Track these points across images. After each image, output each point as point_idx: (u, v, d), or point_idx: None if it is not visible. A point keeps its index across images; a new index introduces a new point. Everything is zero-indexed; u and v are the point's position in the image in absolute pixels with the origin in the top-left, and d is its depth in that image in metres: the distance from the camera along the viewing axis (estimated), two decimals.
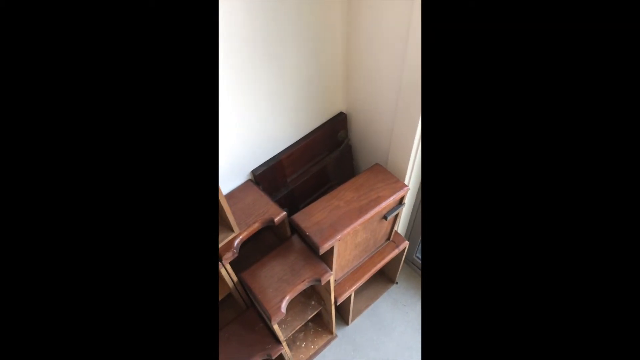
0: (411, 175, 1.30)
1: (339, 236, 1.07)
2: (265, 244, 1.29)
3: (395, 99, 1.10)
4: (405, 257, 1.89)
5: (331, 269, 1.16)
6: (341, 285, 1.36)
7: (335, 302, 1.33)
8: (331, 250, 1.11)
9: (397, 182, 1.20)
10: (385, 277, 1.82)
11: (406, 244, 1.47)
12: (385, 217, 1.24)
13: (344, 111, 1.35)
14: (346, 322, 1.69)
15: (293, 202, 1.35)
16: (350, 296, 1.45)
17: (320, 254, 1.07)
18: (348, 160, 1.45)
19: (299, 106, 1.18)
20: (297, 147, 1.25)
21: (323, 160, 1.36)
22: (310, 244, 1.08)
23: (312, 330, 1.63)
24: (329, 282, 1.17)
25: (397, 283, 1.82)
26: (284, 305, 1.06)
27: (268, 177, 1.22)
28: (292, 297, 1.10)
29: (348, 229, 1.09)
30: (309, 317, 1.33)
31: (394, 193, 1.17)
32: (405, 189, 1.19)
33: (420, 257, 1.81)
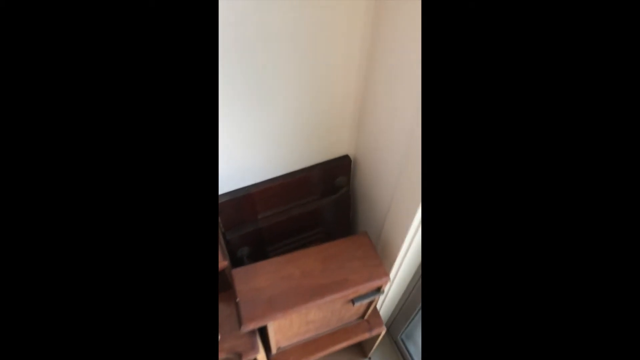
0: (404, 258, 1.03)
1: (273, 317, 0.84)
2: None
3: (405, 157, 0.83)
4: (388, 337, 1.60)
5: (264, 344, 0.94)
6: (285, 355, 1.13)
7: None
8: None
9: (378, 265, 0.94)
10: (356, 348, 1.55)
11: (382, 329, 1.19)
12: (352, 302, 0.99)
13: (351, 155, 1.09)
14: None
15: (261, 242, 1.13)
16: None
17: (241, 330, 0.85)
18: (344, 210, 1.20)
19: (288, 138, 0.95)
20: (277, 183, 1.03)
21: (310, 204, 1.12)
22: (237, 313, 0.86)
23: None
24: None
25: (369, 359, 1.54)
26: None
27: (231, 209, 1.01)
28: None
29: (289, 311, 0.85)
30: None
31: (368, 280, 0.91)
32: (385, 279, 0.92)
33: (404, 340, 1.51)
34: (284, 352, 1.14)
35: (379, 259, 0.95)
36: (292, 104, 0.88)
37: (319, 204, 1.13)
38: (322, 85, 0.87)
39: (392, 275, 1.11)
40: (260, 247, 1.15)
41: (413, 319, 1.38)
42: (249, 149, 0.92)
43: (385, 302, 1.33)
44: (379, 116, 0.91)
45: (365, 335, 1.18)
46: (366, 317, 1.19)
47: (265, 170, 1.01)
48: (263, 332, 0.99)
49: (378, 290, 0.98)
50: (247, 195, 1.01)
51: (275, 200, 1.07)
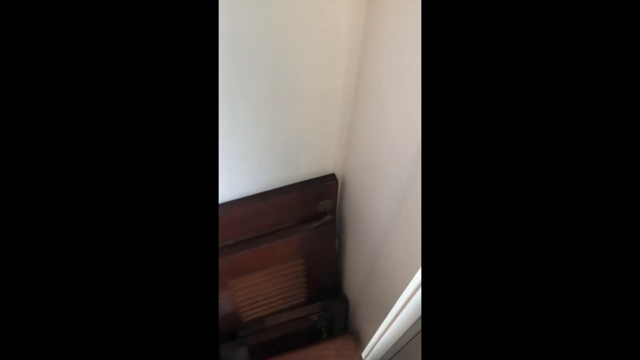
0: (397, 314, 0.80)
1: None
2: None
3: (406, 184, 0.60)
4: None
5: None
6: None
7: None
8: None
9: None
10: None
11: None
12: None
13: (338, 175, 0.87)
14: None
15: (224, 274, 0.91)
16: None
17: None
18: (329, 240, 0.97)
19: (258, 149, 0.73)
20: (242, 207, 0.81)
21: (286, 232, 0.90)
22: None
23: None
24: None
25: None
26: None
27: None
28: None
29: None
30: None
31: None
32: None
33: None
34: None
35: None
36: (262, 107, 0.66)
37: (298, 232, 0.91)
38: (299, 84, 0.65)
39: (387, 322, 0.89)
40: (221, 282, 0.93)
41: None
42: None
43: (377, 348, 1.11)
44: (372, 127, 0.68)
45: None
46: None
47: (227, 188, 0.79)
48: None
49: None
50: None
51: (238, 226, 0.85)
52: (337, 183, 0.86)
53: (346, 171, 0.87)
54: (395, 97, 0.56)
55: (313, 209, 0.90)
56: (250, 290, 1.02)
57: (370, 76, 0.63)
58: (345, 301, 1.16)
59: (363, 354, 1.14)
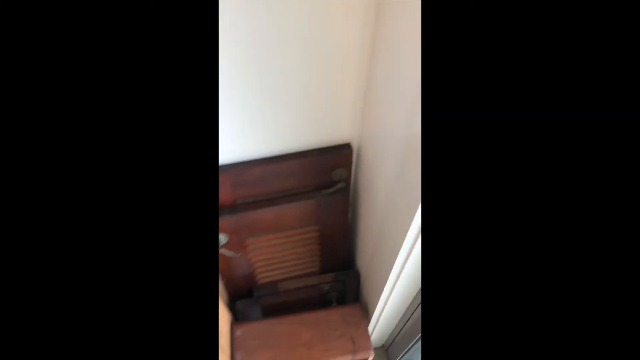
0: (399, 274, 0.83)
1: None
2: None
3: (404, 151, 0.64)
4: (384, 357, 1.41)
5: None
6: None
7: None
8: None
9: (364, 334, 1.02)
10: None
11: (369, 355, 1.01)
12: None
13: (353, 144, 0.91)
14: None
15: (240, 232, 0.99)
16: None
17: None
18: (342, 208, 1.02)
19: (279, 110, 0.79)
20: (260, 166, 0.87)
21: (301, 197, 0.96)
22: None
23: None
24: None
25: None
26: None
27: None
28: None
29: None
30: None
31: (348, 353, 0.99)
32: (370, 358, 1.00)
33: None
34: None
35: (368, 336, 1.02)
36: (285, 70, 0.71)
37: (312, 198, 0.96)
38: (320, 53, 0.70)
39: (386, 291, 0.92)
40: (239, 238, 1.01)
41: (414, 344, 1.17)
42: (230, 116, 0.77)
43: (382, 321, 1.14)
44: (383, 98, 0.71)
45: (348, 357, 1.00)
46: (354, 340, 1.01)
47: (247, 148, 0.85)
48: None
49: None
50: (222, 175, 0.86)
51: (257, 185, 0.91)
52: (351, 152, 0.90)
53: (361, 143, 0.91)
54: (400, 64, 0.59)
55: (328, 176, 0.95)
56: (266, 250, 1.09)
57: (382, 49, 0.66)
58: (357, 275, 1.20)
59: (370, 327, 1.17)
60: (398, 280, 0.87)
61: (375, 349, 1.42)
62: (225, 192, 0.91)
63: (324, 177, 0.95)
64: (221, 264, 1.09)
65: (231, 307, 1.18)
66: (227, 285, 1.18)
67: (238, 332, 1.04)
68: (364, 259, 1.12)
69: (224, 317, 1.01)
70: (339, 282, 1.19)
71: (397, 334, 1.26)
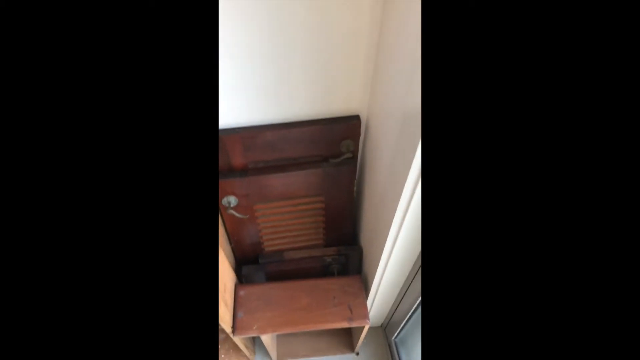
0: (394, 243, 0.87)
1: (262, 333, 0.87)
2: None
3: (402, 124, 0.67)
4: (383, 337, 1.44)
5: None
6: (246, 322, 1.04)
7: (233, 332, 1.03)
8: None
9: (361, 304, 1.07)
10: (346, 339, 1.41)
11: (365, 322, 1.05)
12: None
13: (362, 116, 0.95)
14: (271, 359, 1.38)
15: (249, 196, 1.04)
16: (266, 336, 1.13)
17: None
18: (348, 179, 1.06)
19: (291, 77, 0.84)
20: (271, 131, 0.92)
21: (309, 165, 1.01)
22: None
23: (232, 343, 1.37)
24: None
25: (357, 354, 1.40)
26: None
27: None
28: None
29: (275, 331, 0.99)
30: None
31: (348, 321, 1.04)
32: (366, 326, 1.08)
33: (398, 344, 1.34)
34: (248, 320, 1.05)
35: (365, 305, 1.07)
36: (301, 42, 0.76)
37: (319, 167, 1.01)
38: (334, 28, 0.74)
39: (382, 263, 0.96)
40: (248, 203, 1.06)
41: (407, 322, 1.20)
42: (242, 78, 0.82)
43: (379, 296, 1.17)
44: (390, 72, 0.75)
45: (344, 324, 1.04)
46: (351, 308, 1.05)
47: (261, 113, 0.91)
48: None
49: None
50: (235, 137, 0.92)
51: (268, 150, 0.96)
52: (360, 123, 0.94)
53: (370, 116, 0.95)
54: (402, 39, 0.63)
55: (336, 147, 0.99)
56: (273, 217, 1.14)
57: (389, 26, 0.70)
58: (360, 250, 1.23)
59: (368, 303, 1.21)
60: (392, 251, 0.91)
61: (374, 328, 1.46)
62: (238, 155, 0.96)
63: (332, 148, 0.99)
64: (231, 228, 1.15)
65: (237, 271, 1.24)
66: (235, 250, 1.24)
67: (241, 293, 1.09)
68: (366, 235, 1.15)
69: (229, 275, 1.06)
70: (342, 255, 1.23)
71: (393, 314, 1.29)
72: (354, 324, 1.04)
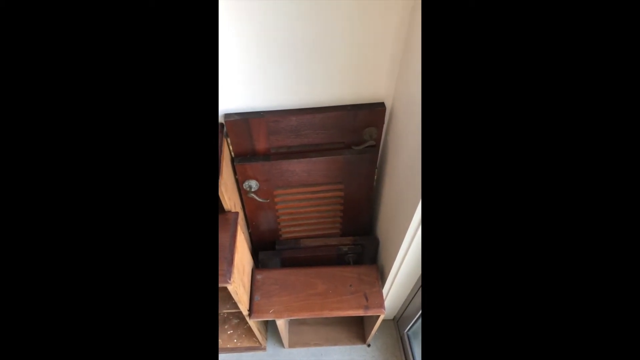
0: (413, 238, 0.86)
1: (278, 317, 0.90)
2: None
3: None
4: (396, 330, 1.44)
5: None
6: (262, 305, 1.05)
7: (249, 315, 1.04)
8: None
9: (377, 293, 1.08)
10: (357, 330, 1.42)
11: (381, 312, 1.05)
12: None
13: (388, 104, 0.95)
14: (283, 345, 1.39)
15: (270, 181, 1.05)
16: (281, 321, 1.14)
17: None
18: (369, 168, 1.06)
19: (317, 62, 0.84)
20: (295, 116, 0.93)
21: (330, 152, 1.01)
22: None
23: (245, 328, 1.38)
24: (228, 290, 0.88)
25: (369, 346, 1.40)
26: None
27: (240, 128, 0.94)
28: None
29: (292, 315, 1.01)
30: (224, 311, 1.08)
31: (360, 307, 1.04)
32: (381, 316, 1.09)
33: (410, 337, 1.34)
34: (265, 303, 1.06)
35: (381, 294, 1.08)
36: (331, 31, 0.76)
37: (341, 154, 1.01)
38: (363, 17, 0.74)
39: (400, 255, 0.96)
40: (269, 187, 1.07)
41: (419, 317, 1.20)
42: (270, 61, 0.83)
43: (394, 288, 1.17)
44: (419, 60, 0.74)
45: (359, 312, 1.04)
46: (367, 296, 1.06)
47: (285, 96, 0.91)
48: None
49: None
50: (261, 120, 0.93)
51: (291, 135, 0.97)
52: (384, 110, 0.94)
53: (394, 105, 0.94)
54: None
55: (359, 135, 0.99)
56: (292, 204, 1.14)
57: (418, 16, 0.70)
58: (376, 241, 1.24)
59: (384, 291, 1.21)
60: (411, 244, 0.91)
61: (386, 321, 1.46)
62: (262, 139, 0.97)
63: (355, 136, 0.99)
64: (250, 212, 1.16)
65: (253, 257, 1.25)
66: (252, 235, 1.25)
67: (258, 277, 1.10)
68: (383, 226, 1.15)
69: (248, 259, 1.07)
70: (358, 245, 1.23)
71: (406, 307, 1.29)
72: (369, 312, 1.04)
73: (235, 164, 1.00)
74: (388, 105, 0.95)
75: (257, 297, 1.06)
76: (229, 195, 0.93)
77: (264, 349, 1.38)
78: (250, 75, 0.85)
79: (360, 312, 1.04)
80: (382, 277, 1.17)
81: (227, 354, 1.39)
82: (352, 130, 0.98)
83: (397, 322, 1.43)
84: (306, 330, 1.42)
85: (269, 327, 1.46)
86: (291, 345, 1.39)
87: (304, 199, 1.13)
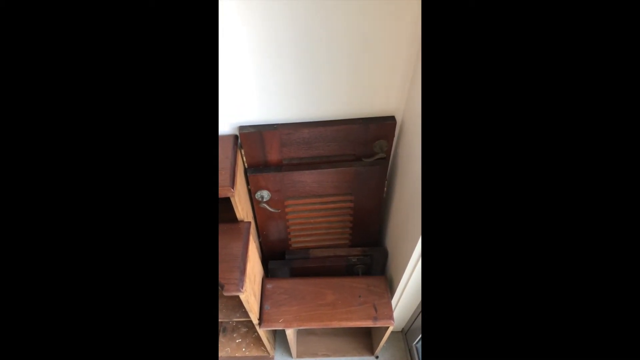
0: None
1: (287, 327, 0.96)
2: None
3: None
4: (404, 342, 1.43)
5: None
6: (272, 314, 1.06)
7: (260, 324, 1.05)
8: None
9: (386, 304, 1.08)
10: (365, 341, 1.42)
11: (390, 323, 1.05)
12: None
13: (398, 117, 0.97)
14: (291, 355, 1.39)
15: (281, 191, 1.07)
16: (290, 331, 1.15)
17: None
18: (379, 180, 1.08)
19: (330, 76, 0.87)
20: (308, 128, 0.95)
21: (341, 164, 1.03)
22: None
23: (254, 337, 1.39)
24: (238, 298, 0.89)
25: (377, 357, 1.40)
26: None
27: (253, 140, 0.97)
28: None
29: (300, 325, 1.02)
30: (234, 319, 1.09)
31: (372, 321, 1.05)
32: (390, 328, 1.09)
33: (419, 348, 1.33)
34: (274, 313, 1.07)
35: (390, 306, 1.08)
36: (343, 45, 0.79)
37: (352, 166, 1.03)
38: (375, 32, 0.77)
39: (410, 266, 0.97)
40: (280, 198, 1.09)
41: None
42: (283, 76, 0.86)
43: (403, 299, 1.18)
44: None
45: (368, 323, 1.05)
46: (376, 307, 1.06)
47: (298, 109, 0.94)
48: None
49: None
50: (274, 132, 0.95)
51: (303, 147, 0.99)
52: (394, 123, 0.96)
53: (405, 118, 0.96)
54: None
55: (370, 147, 1.01)
56: (302, 214, 1.16)
57: None
58: (384, 252, 1.24)
59: (392, 302, 1.21)
60: (420, 257, 0.92)
61: (395, 333, 1.45)
62: (275, 150, 0.99)
63: (366, 148, 1.01)
64: (261, 222, 1.18)
65: (264, 266, 1.27)
66: (262, 244, 1.27)
67: (268, 286, 1.12)
68: (392, 237, 1.16)
69: (259, 268, 1.09)
70: (367, 256, 1.24)
71: (415, 320, 1.29)
72: (378, 324, 1.05)
73: (248, 174, 1.02)
74: (398, 118, 0.97)
75: (267, 307, 1.07)
76: (242, 205, 0.95)
77: (272, 358, 1.39)
78: (266, 90, 0.88)
79: (369, 323, 1.05)
80: (391, 288, 1.17)
81: None
82: (363, 143, 1.00)
83: (406, 334, 1.42)
84: (314, 341, 1.42)
85: (277, 337, 1.46)
86: (299, 356, 1.39)
87: (314, 209, 1.15)
